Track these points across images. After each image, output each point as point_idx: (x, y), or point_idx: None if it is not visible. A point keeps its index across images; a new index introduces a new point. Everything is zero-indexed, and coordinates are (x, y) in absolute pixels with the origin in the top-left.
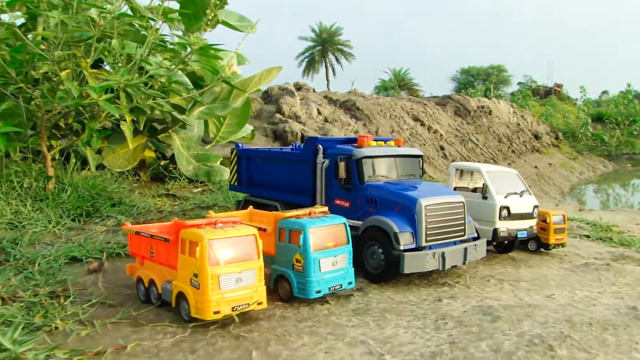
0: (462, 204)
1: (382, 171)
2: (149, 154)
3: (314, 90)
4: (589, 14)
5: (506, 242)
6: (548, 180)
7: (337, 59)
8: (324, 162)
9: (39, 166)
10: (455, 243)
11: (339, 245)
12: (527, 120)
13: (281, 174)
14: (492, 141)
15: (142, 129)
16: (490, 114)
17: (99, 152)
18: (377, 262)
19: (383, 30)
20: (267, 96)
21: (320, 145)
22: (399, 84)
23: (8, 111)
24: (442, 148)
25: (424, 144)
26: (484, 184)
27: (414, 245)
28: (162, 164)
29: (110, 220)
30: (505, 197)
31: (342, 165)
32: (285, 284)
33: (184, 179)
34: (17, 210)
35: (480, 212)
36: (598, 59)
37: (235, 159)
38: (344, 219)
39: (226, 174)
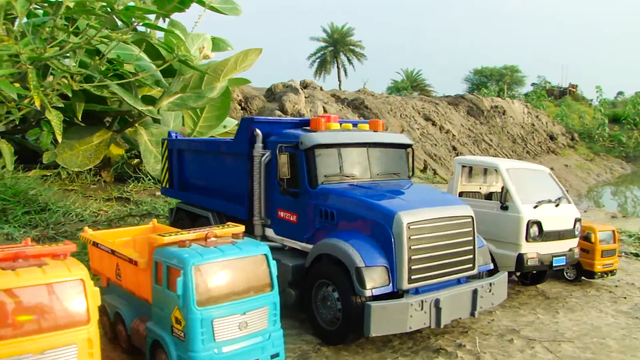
0: (469, 220)
1: (346, 168)
2: (116, 150)
3: (321, 89)
4: (601, 15)
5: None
6: (564, 183)
7: (348, 60)
8: (263, 155)
9: None
10: (459, 282)
11: (254, 292)
12: (542, 121)
13: (214, 173)
14: (506, 142)
15: (79, 118)
16: (504, 114)
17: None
18: (332, 314)
19: (395, 31)
20: (271, 94)
21: (258, 130)
22: (411, 85)
23: None
24: (454, 148)
25: (436, 144)
26: (502, 187)
27: (390, 289)
28: (133, 162)
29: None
30: (535, 206)
31: (283, 158)
32: (163, 357)
33: (149, 179)
34: None
35: (499, 230)
36: (612, 60)
37: (165, 153)
38: (264, 249)
39: None
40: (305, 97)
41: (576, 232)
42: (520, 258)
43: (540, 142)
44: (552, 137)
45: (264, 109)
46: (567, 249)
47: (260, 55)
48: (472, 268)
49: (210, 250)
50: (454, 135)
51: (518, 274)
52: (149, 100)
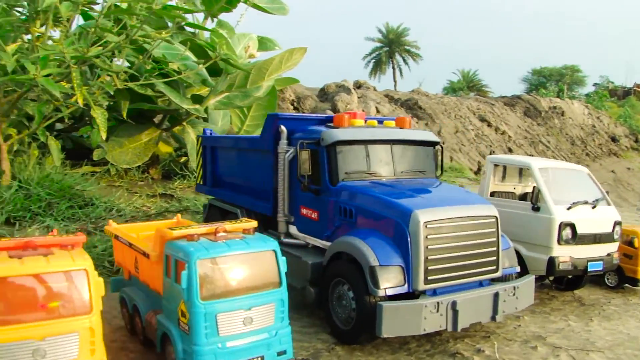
0: (493, 221)
1: (368, 165)
2: (165, 148)
3: (374, 89)
4: None
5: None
6: (627, 186)
7: (404, 60)
8: (287, 152)
9: None
10: (481, 284)
11: (261, 288)
12: (604, 122)
13: (242, 170)
14: (564, 143)
15: (125, 116)
16: (562, 115)
17: (99, 145)
18: (347, 313)
19: (451, 31)
20: (324, 94)
21: (283, 127)
22: (467, 85)
23: None
24: (510, 150)
25: (491, 145)
26: (534, 187)
27: (405, 289)
28: (181, 160)
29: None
30: (569, 208)
31: (304, 154)
32: (171, 350)
33: (194, 177)
34: None
35: (530, 231)
36: None
37: (200, 150)
38: (272, 244)
39: None
40: (358, 97)
41: (615, 236)
42: (551, 261)
43: (601, 144)
44: (613, 139)
45: (316, 109)
46: (604, 254)
47: (316, 55)
48: (496, 270)
49: (217, 244)
50: (509, 136)
51: (551, 278)
52: (199, 99)
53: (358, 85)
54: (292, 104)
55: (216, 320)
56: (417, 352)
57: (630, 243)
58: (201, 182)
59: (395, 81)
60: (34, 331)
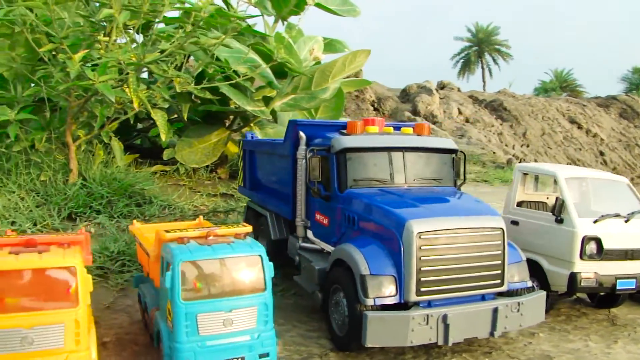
0: (499, 233)
1: (377, 172)
2: (233, 149)
3: (459, 90)
4: None
5: (601, 293)
6: None
7: (494, 60)
8: (304, 158)
9: (62, 157)
10: (484, 298)
11: (243, 292)
12: None
13: (271, 173)
14: None
15: (185, 118)
16: None
17: (170, 145)
18: (342, 319)
19: (544, 29)
20: (405, 95)
21: (302, 133)
22: (560, 86)
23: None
24: (601, 154)
25: (580, 149)
26: (557, 198)
27: (396, 299)
28: None
29: (97, 220)
30: (596, 221)
31: (314, 161)
32: (161, 345)
33: None
34: (15, 206)
35: (553, 244)
36: None
37: (241, 153)
38: (259, 249)
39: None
40: (441, 99)
41: None
42: (573, 277)
43: None
44: None
45: (397, 110)
46: (639, 272)
47: (398, 55)
48: (501, 284)
49: (202, 248)
50: (602, 139)
51: (576, 295)
52: (269, 101)
53: (442, 86)
54: (372, 105)
55: (196, 320)
56: None
57: None
58: (241, 184)
59: (484, 81)
60: (23, 320)
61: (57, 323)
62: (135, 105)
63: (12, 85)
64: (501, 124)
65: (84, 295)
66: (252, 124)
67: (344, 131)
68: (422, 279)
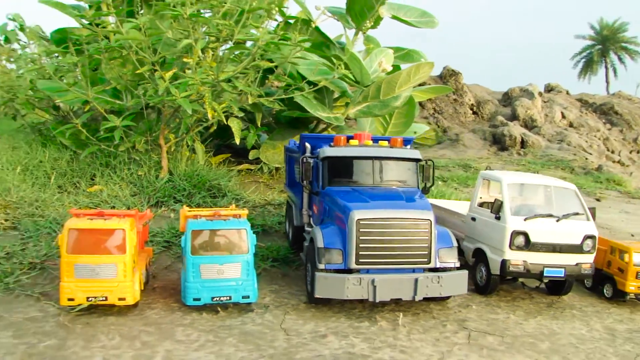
0: (427, 223)
1: (352, 175)
2: None
3: (567, 93)
4: None
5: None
6: None
7: (619, 59)
8: (302, 162)
9: (156, 156)
10: (414, 271)
11: (231, 252)
12: None
13: (295, 173)
14: None
15: (259, 125)
16: None
17: (255, 147)
18: (309, 280)
19: None
20: (507, 98)
21: (307, 144)
22: None
23: (134, 108)
24: None
25: None
26: (496, 199)
27: (341, 266)
28: None
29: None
30: (526, 219)
31: (307, 165)
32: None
33: None
34: (116, 195)
35: (493, 236)
36: None
37: (285, 157)
38: (245, 225)
39: None
40: (545, 102)
41: (585, 248)
42: (503, 263)
43: None
44: None
45: (496, 114)
46: (572, 263)
47: (506, 58)
48: (427, 262)
49: (207, 222)
50: None
51: (544, 282)
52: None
53: (549, 89)
54: (471, 109)
55: (199, 268)
56: (350, 313)
57: (624, 258)
58: (285, 183)
59: (607, 82)
60: (93, 259)
61: (112, 263)
62: (210, 116)
63: (124, 95)
64: (609, 129)
65: (130, 247)
66: (329, 128)
67: (332, 144)
68: (360, 252)
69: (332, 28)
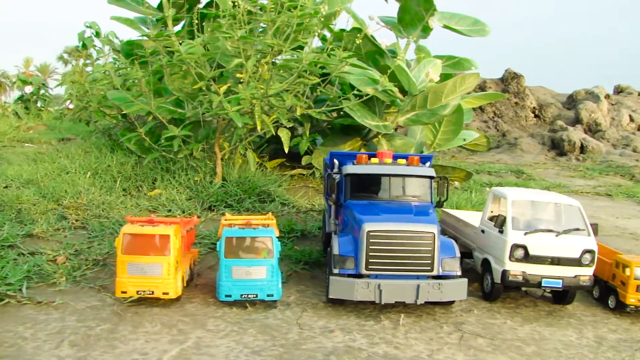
0: (430, 236)
1: (370, 191)
2: None
3: (639, 94)
4: None
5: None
6: None
7: None
8: (327, 177)
9: (211, 163)
10: (418, 278)
11: (259, 256)
12: None
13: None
14: None
15: (308, 134)
16: None
17: (307, 152)
18: (328, 282)
19: None
20: (571, 101)
21: (335, 160)
22: None
23: (193, 118)
24: None
25: None
26: (499, 215)
27: (353, 271)
28: None
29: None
30: (526, 233)
31: (331, 180)
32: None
33: None
34: (173, 199)
35: (496, 248)
36: None
37: (323, 165)
38: (271, 233)
39: None
40: (612, 105)
41: (584, 262)
42: (504, 273)
43: None
44: None
45: (559, 117)
46: (571, 275)
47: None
48: (430, 270)
49: (239, 230)
50: None
51: (547, 291)
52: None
53: (619, 90)
54: (533, 112)
55: (231, 270)
56: (361, 314)
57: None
58: (324, 192)
59: None
60: (143, 259)
61: (158, 263)
62: (258, 127)
63: (185, 104)
64: None
65: (173, 250)
66: (380, 136)
67: (354, 161)
68: (370, 260)
69: (387, 36)
